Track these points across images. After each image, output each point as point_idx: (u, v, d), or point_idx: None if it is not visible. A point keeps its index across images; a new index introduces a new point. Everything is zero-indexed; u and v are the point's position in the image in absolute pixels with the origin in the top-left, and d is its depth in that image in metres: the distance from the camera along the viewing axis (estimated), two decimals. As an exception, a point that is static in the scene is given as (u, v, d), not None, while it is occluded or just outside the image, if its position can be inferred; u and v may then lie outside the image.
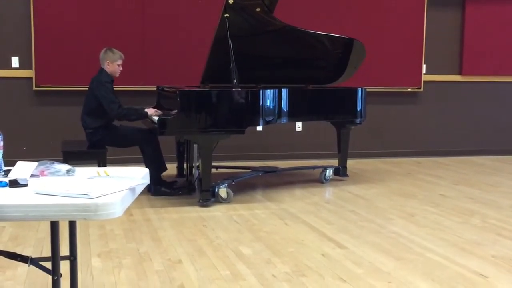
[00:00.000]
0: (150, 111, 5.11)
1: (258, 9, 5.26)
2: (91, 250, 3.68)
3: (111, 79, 5.04)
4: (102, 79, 4.99)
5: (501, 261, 3.58)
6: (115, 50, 5.08)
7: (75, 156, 4.95)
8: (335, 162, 6.17)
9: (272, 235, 4.08)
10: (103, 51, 5.09)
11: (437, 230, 4.24)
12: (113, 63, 5.04)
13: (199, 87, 5.51)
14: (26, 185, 2.14)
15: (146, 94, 6.26)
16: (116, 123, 5.19)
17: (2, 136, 2.37)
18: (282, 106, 5.23)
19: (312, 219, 4.50)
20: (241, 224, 4.35)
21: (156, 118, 4.94)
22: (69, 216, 1.95)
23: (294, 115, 5.47)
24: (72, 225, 2.50)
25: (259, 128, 6.74)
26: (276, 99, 5.16)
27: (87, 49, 6.13)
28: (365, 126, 6.54)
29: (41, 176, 2.32)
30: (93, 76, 5.10)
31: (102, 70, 5.06)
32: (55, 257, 2.15)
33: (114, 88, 5.15)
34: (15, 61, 6.30)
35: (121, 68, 5.11)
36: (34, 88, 6.31)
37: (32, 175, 2.28)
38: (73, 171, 2.38)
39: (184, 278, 3.22)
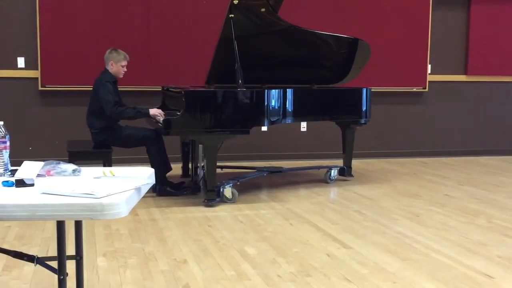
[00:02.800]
0: (154, 112, 5.06)
1: (263, 9, 5.26)
2: (97, 250, 3.69)
3: (112, 79, 5.04)
4: (103, 79, 5.00)
5: (507, 261, 3.57)
6: (120, 51, 5.09)
7: (81, 156, 4.96)
8: (340, 162, 6.16)
9: (277, 235, 4.08)
10: (108, 51, 5.10)
11: (442, 230, 4.23)
12: (117, 64, 5.05)
13: (204, 87, 5.52)
14: (32, 185, 2.15)
15: (151, 94, 6.27)
16: (122, 123, 5.20)
17: (8, 136, 2.38)
18: (287, 106, 5.23)
19: (317, 219, 4.50)
20: (246, 224, 4.36)
21: (161, 118, 4.95)
22: (75, 215, 1.95)
23: (299, 115, 5.47)
24: (78, 224, 2.51)
25: (264, 128, 6.74)
26: (281, 99, 5.16)
27: (92, 50, 6.15)
28: (370, 126, 6.53)
29: (47, 176, 2.33)
30: (97, 77, 5.11)
31: (105, 71, 5.08)
32: (61, 257, 2.16)
33: (119, 89, 5.16)
34: (21, 62, 6.32)
35: (125, 69, 5.11)
36: (40, 88, 6.33)
37: (38, 175, 2.29)
38: (79, 171, 2.39)
39: (189, 278, 3.23)
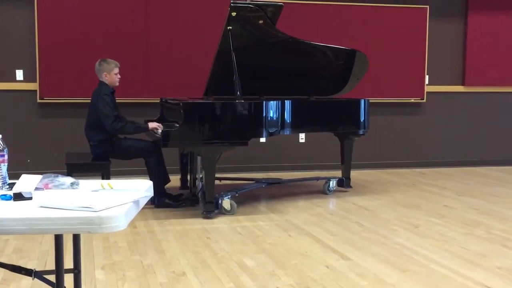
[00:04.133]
0: (152, 125, 5.07)
1: (261, 21, 5.28)
2: (95, 263, 3.67)
3: (110, 91, 5.04)
4: (101, 92, 4.99)
5: (507, 272, 3.56)
6: (109, 60, 5.10)
7: (79, 168, 4.96)
8: (338, 173, 6.16)
9: (276, 246, 4.07)
10: (97, 63, 5.10)
11: (441, 241, 4.23)
12: (110, 73, 5.06)
13: (202, 99, 5.52)
14: (30, 198, 2.15)
15: (149, 106, 6.28)
16: (121, 135, 5.19)
17: (6, 149, 2.38)
18: (285, 117, 5.24)
19: (316, 230, 4.49)
20: (244, 235, 4.35)
21: (160, 131, 4.95)
22: (73, 229, 1.95)
23: (297, 126, 5.47)
24: (76, 238, 2.50)
25: (263, 140, 6.75)
26: (279, 110, 5.17)
27: (91, 62, 6.09)
28: (369, 137, 6.54)
29: (46, 189, 2.32)
30: (94, 90, 5.12)
31: (101, 83, 5.08)
32: (59, 270, 2.15)
33: (117, 100, 5.16)
34: (19, 74, 6.33)
35: (119, 76, 5.12)
36: (38, 100, 6.34)
37: (36, 188, 2.28)
38: (77, 184, 2.39)
39: (188, 290, 3.22)
